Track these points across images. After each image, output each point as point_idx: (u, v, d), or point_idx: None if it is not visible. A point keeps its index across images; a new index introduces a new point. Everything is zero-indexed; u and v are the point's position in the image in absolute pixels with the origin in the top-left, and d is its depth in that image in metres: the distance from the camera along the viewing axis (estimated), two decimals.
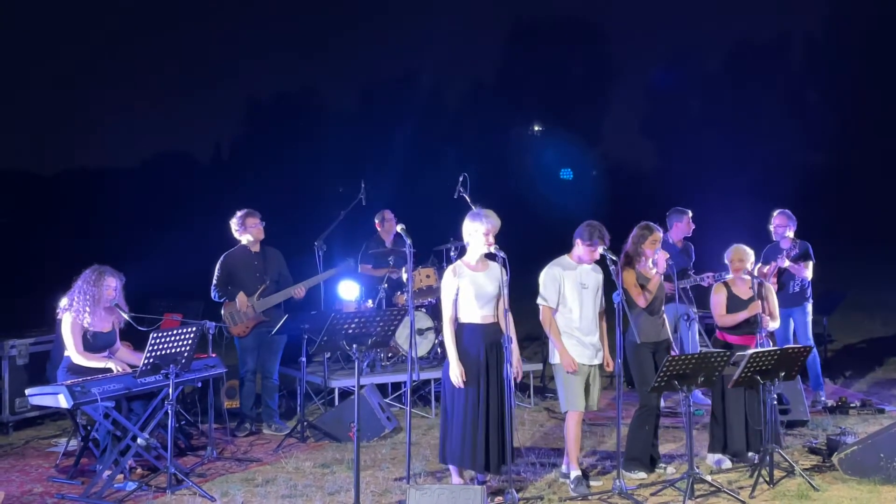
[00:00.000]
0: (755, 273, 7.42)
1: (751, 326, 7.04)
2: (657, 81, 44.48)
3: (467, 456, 5.96)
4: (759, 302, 7.06)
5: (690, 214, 8.98)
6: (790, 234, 8.80)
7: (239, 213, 8.18)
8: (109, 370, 6.64)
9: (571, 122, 41.03)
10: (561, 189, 32.78)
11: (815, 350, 8.94)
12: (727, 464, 6.87)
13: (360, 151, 35.63)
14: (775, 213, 8.96)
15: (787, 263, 8.61)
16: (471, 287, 6.02)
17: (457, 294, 6.05)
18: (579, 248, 6.38)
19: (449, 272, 6.12)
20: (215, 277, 8.08)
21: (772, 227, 8.92)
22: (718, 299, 7.13)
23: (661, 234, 6.75)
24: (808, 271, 8.74)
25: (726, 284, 7.21)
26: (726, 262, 7.28)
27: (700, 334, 9.06)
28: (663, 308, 6.85)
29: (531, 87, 45.79)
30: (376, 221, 10.02)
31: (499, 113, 43.63)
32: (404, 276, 8.93)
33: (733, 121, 37.86)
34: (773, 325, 7.19)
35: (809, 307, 8.90)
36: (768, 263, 8.77)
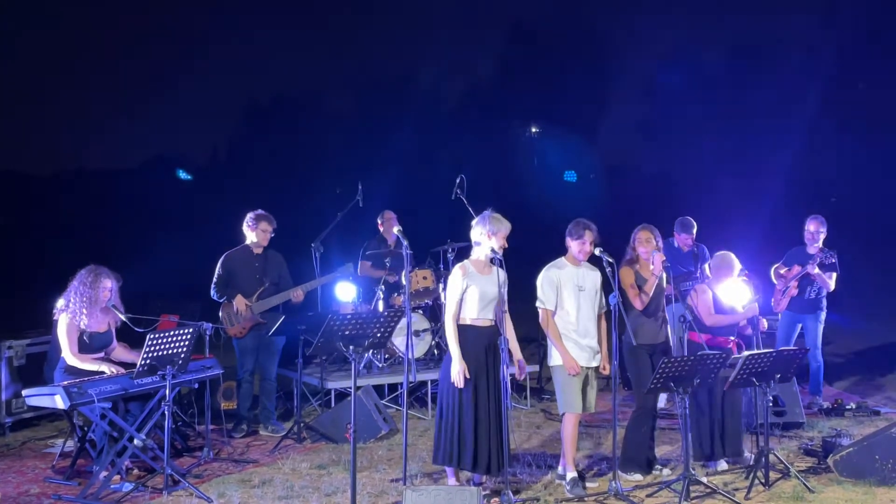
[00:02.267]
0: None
1: (729, 328, 7.06)
2: (657, 83, 44.53)
3: (467, 457, 5.97)
4: (756, 305, 7.08)
5: (693, 231, 8.85)
6: (821, 241, 8.73)
7: (257, 212, 8.17)
8: (102, 373, 6.63)
9: (570, 123, 41.02)
10: (559, 191, 32.77)
11: (821, 361, 8.90)
12: (723, 465, 6.88)
13: (358, 153, 35.61)
14: (809, 220, 8.83)
15: (816, 270, 8.56)
16: (477, 289, 6.05)
17: (463, 294, 6.07)
18: (571, 246, 6.41)
19: (458, 270, 6.12)
20: (216, 276, 8.09)
21: (807, 233, 8.79)
22: (705, 299, 7.07)
23: (652, 233, 6.75)
24: (832, 282, 8.69)
25: (708, 286, 7.19)
26: (711, 266, 7.28)
27: None
28: (665, 310, 6.85)
29: (529, 88, 45.79)
30: (378, 221, 10.03)
31: (496, 114, 43.63)
32: (403, 280, 8.94)
33: (733, 122, 37.89)
34: (763, 322, 7.22)
35: (823, 316, 8.83)
36: (790, 266, 8.72)
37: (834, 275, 8.64)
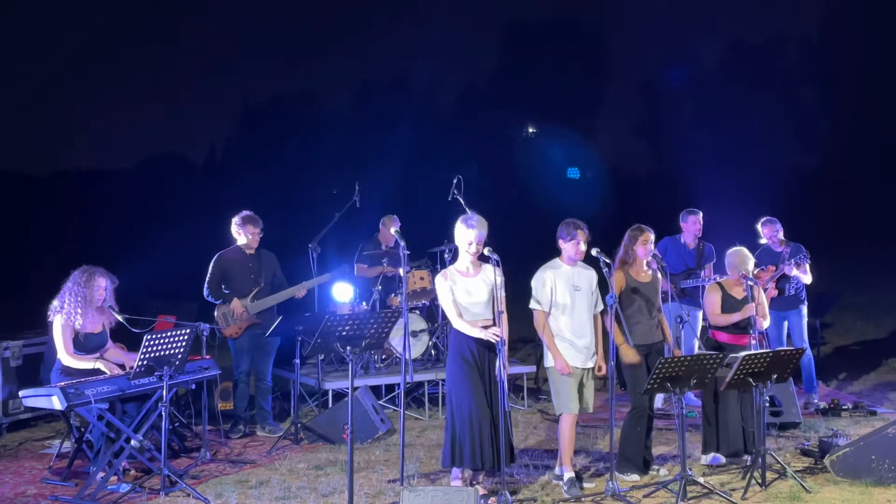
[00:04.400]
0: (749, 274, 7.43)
1: (742, 327, 7.09)
2: (656, 82, 44.61)
3: (483, 455, 5.98)
4: (753, 304, 7.10)
5: (700, 215, 8.94)
6: (781, 236, 8.86)
7: (243, 214, 8.18)
8: (98, 370, 6.63)
9: (567, 123, 41.06)
10: (556, 191, 32.78)
11: (809, 353, 8.98)
12: (722, 461, 6.89)
13: (355, 153, 35.63)
14: (759, 225, 8.97)
15: (794, 272, 8.62)
16: (463, 294, 6.05)
17: (453, 297, 6.07)
18: (566, 248, 6.40)
19: (440, 278, 6.16)
20: (208, 275, 8.09)
21: (764, 239, 8.94)
22: (713, 299, 7.20)
23: (652, 235, 6.78)
24: (807, 276, 8.78)
25: (720, 285, 7.26)
26: (727, 263, 7.30)
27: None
28: (660, 309, 6.86)
29: (526, 88, 45.84)
30: (381, 224, 10.01)
31: (494, 114, 43.67)
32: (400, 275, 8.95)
33: (729, 122, 37.96)
34: (765, 323, 7.24)
35: (805, 310, 8.94)
36: (761, 266, 8.80)
37: (807, 266, 8.71)
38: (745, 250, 7.27)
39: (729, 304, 7.14)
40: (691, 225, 8.93)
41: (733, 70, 42.25)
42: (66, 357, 6.68)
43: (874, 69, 36.98)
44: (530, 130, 46.80)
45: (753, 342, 7.00)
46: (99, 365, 6.67)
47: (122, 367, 6.77)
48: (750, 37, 45.69)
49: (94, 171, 38.35)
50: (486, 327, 6.04)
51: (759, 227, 9.01)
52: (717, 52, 45.99)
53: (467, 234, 6.11)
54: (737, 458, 6.93)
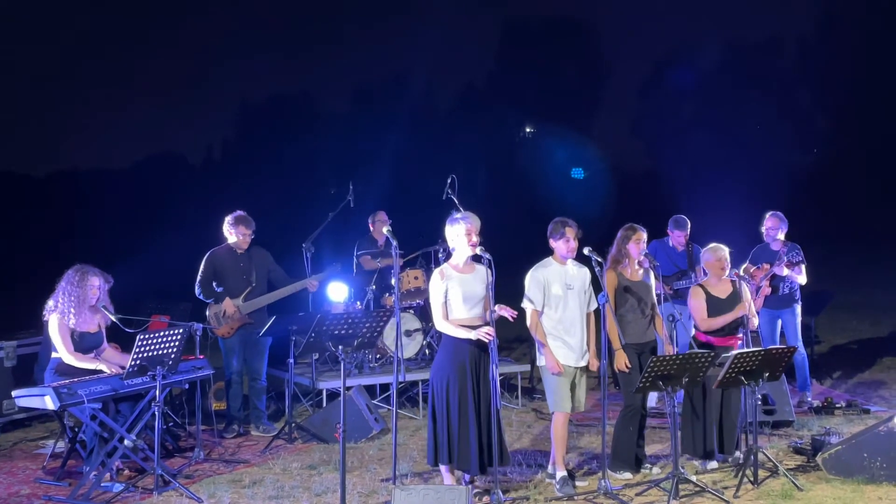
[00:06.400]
0: (742, 272, 7.40)
1: (731, 327, 7.05)
2: (654, 82, 44.67)
3: (463, 457, 5.97)
4: (745, 303, 7.08)
5: (687, 231, 8.92)
6: (781, 236, 8.84)
7: (237, 214, 8.17)
8: (101, 371, 6.63)
9: (563, 123, 41.06)
10: (554, 190, 32.76)
11: (804, 352, 8.99)
12: (713, 464, 6.90)
13: (352, 153, 35.62)
14: (767, 216, 8.97)
15: (786, 272, 8.62)
16: (459, 289, 6.03)
17: (445, 296, 6.06)
18: (557, 246, 6.41)
19: (436, 275, 6.12)
20: (200, 273, 8.08)
21: (763, 229, 8.95)
22: (698, 303, 7.05)
23: (645, 234, 6.78)
24: (802, 276, 8.78)
25: (703, 287, 7.16)
26: (703, 265, 7.24)
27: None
28: (657, 308, 6.85)
29: (522, 88, 45.86)
30: (369, 222, 10.04)
31: (490, 114, 43.68)
32: (393, 279, 8.96)
33: (725, 122, 37.99)
34: (755, 321, 7.20)
35: (798, 308, 8.94)
36: (757, 264, 8.81)
37: (803, 267, 8.71)
38: (720, 246, 7.15)
39: (714, 306, 7.03)
40: (678, 237, 8.93)
41: (732, 69, 42.26)
42: (67, 356, 6.67)
43: (872, 69, 37.02)
44: (528, 130, 46.81)
45: (740, 342, 6.98)
46: (101, 366, 6.67)
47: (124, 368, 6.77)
48: (749, 36, 45.75)
49: (91, 171, 38.30)
50: (473, 327, 6.02)
51: (765, 217, 8.98)
52: (716, 51, 46.01)
53: (460, 228, 6.07)
54: (709, 458, 6.91)
